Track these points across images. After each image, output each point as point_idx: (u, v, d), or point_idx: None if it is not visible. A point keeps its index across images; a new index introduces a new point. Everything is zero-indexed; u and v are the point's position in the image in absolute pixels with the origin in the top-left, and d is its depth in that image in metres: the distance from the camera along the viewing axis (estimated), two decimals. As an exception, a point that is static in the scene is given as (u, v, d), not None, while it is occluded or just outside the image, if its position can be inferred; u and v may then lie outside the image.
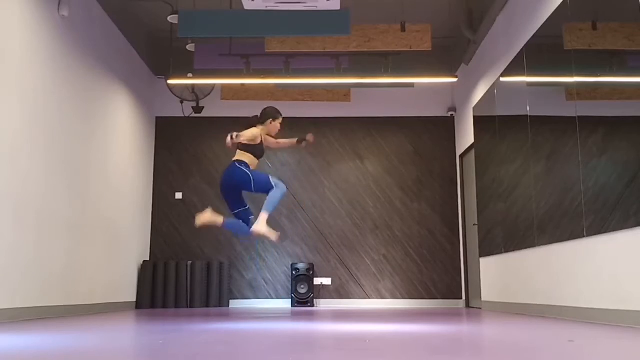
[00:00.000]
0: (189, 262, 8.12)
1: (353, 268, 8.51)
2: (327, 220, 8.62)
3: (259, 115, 5.22)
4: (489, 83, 6.91)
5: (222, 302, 8.08)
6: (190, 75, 7.58)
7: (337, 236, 8.59)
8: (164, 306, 7.91)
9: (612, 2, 4.22)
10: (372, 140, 8.79)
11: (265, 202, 4.89)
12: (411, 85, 8.58)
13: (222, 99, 8.77)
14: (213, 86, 8.23)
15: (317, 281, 8.41)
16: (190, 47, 7.58)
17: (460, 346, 2.54)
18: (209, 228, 8.58)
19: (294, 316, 5.43)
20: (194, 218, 8.63)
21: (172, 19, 6.58)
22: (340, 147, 8.74)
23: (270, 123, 5.22)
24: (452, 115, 8.79)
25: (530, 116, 5.54)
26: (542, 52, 5.37)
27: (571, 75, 4.66)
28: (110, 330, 3.59)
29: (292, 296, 8.15)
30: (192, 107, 8.49)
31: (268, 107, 5.25)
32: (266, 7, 5.24)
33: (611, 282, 4.10)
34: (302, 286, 8.16)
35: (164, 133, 8.77)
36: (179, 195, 8.65)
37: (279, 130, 5.28)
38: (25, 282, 4.94)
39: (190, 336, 3.02)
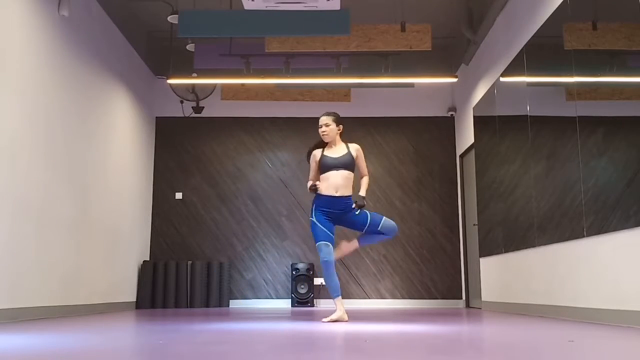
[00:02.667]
0: (189, 262, 8.12)
1: (353, 268, 8.51)
2: (327, 220, 8.60)
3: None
4: (489, 83, 6.92)
5: (222, 302, 8.08)
6: (195, 75, 7.58)
7: (337, 236, 8.56)
8: (164, 306, 7.91)
9: (612, 2, 4.22)
10: (372, 140, 8.79)
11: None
12: (411, 85, 8.59)
13: (222, 99, 8.78)
14: (214, 86, 8.23)
15: (317, 281, 8.41)
16: (190, 47, 7.58)
17: (460, 346, 2.54)
18: (209, 228, 8.62)
19: (294, 316, 5.43)
20: (194, 218, 8.70)
21: (172, 19, 6.59)
22: (340, 147, 8.73)
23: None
24: (452, 115, 8.79)
25: (530, 116, 5.54)
26: (542, 52, 5.37)
27: (571, 75, 4.66)
28: (110, 330, 3.59)
29: (292, 296, 8.15)
30: (192, 107, 8.50)
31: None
32: (266, 7, 5.24)
33: (611, 282, 4.10)
34: (302, 286, 8.16)
35: (164, 133, 8.77)
36: (179, 195, 8.65)
37: (324, 132, 4.80)
38: (25, 282, 4.94)
39: (190, 336, 3.02)
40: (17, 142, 4.80)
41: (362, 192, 4.82)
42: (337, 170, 4.70)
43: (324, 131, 4.77)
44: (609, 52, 4.19)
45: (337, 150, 4.79)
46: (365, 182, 4.90)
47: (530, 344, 2.56)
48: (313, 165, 4.83)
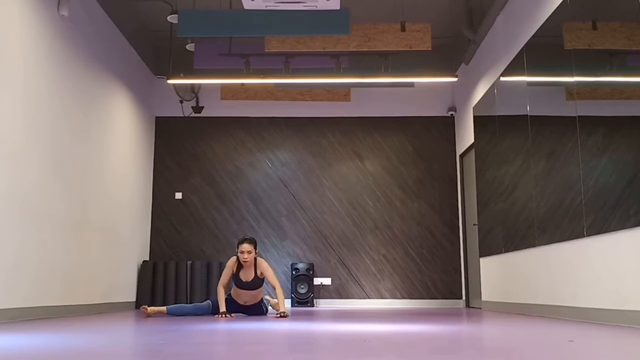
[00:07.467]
0: (189, 262, 8.12)
1: (353, 268, 8.51)
2: (327, 220, 8.61)
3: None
4: (489, 83, 6.91)
5: (222, 302, 8.08)
6: (181, 75, 7.59)
7: (337, 236, 8.58)
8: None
9: (612, 2, 4.22)
10: (372, 140, 8.79)
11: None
12: (411, 85, 8.59)
13: (221, 98, 8.78)
14: (199, 85, 8.29)
15: (317, 281, 8.41)
16: (190, 47, 7.58)
17: (460, 346, 2.54)
18: (209, 228, 8.62)
19: (294, 316, 5.43)
20: (194, 218, 8.70)
21: (172, 18, 6.58)
22: (340, 147, 8.74)
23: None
24: (452, 115, 8.79)
25: (530, 116, 5.54)
26: (542, 52, 5.37)
27: (571, 75, 4.66)
28: (110, 330, 3.59)
29: (292, 296, 8.15)
30: (192, 107, 8.50)
31: None
32: (266, 7, 5.24)
33: (611, 282, 4.10)
34: (302, 286, 8.16)
35: (163, 133, 8.77)
36: (179, 195, 8.65)
37: (245, 259, 5.37)
38: (25, 282, 4.93)
39: (190, 336, 3.02)
40: (16, 141, 4.80)
41: (283, 308, 5.27)
42: (246, 290, 5.49)
43: (245, 258, 5.37)
44: (608, 52, 4.19)
45: (248, 274, 5.46)
46: (279, 295, 5.35)
47: (530, 344, 2.56)
48: (228, 272, 5.47)
